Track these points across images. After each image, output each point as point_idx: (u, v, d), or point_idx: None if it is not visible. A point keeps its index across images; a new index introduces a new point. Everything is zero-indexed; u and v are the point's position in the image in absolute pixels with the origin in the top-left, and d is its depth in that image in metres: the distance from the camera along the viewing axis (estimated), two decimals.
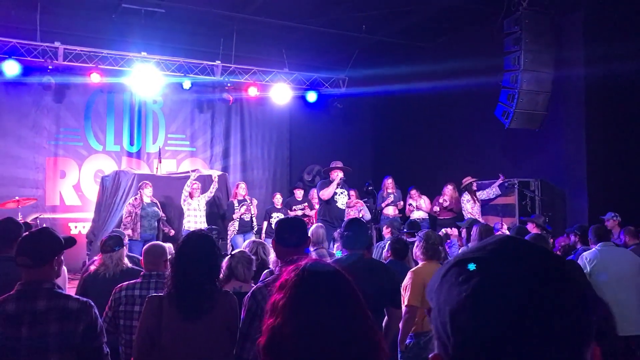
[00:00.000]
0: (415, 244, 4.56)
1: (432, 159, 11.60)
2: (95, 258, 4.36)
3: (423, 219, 9.69)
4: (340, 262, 3.46)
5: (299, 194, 10.68)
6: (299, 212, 10.45)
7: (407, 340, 4.23)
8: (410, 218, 9.32)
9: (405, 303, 4.07)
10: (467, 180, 9.41)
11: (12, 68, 9.54)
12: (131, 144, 11.67)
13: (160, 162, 10.51)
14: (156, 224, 8.78)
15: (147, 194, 8.78)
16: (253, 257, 4.18)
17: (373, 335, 1.31)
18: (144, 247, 3.73)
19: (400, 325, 3.99)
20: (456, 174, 9.86)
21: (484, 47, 9.78)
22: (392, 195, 10.37)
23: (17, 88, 10.36)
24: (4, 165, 10.36)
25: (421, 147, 11.99)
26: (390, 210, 10.41)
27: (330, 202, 8.64)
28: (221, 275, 3.59)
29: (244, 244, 5.14)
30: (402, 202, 10.26)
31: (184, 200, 9.10)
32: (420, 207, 9.94)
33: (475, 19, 10.18)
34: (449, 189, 9.65)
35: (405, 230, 7.09)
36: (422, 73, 10.93)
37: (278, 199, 10.40)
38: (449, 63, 10.43)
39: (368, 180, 11.44)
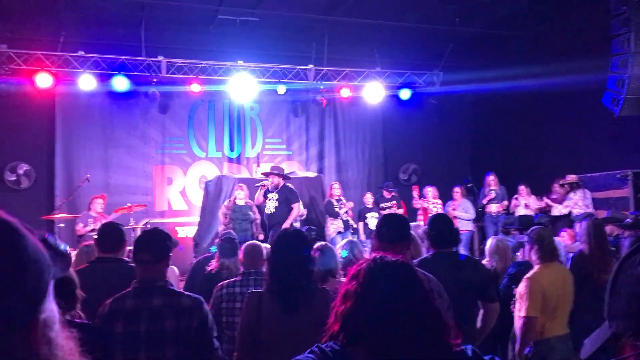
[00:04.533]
0: (528, 247, 4.23)
1: (535, 154, 11.05)
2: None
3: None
4: (423, 261, 3.38)
5: (387, 193, 10.59)
6: (387, 211, 10.37)
7: (526, 350, 3.97)
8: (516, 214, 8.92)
9: (523, 314, 3.77)
10: (571, 178, 8.91)
11: (121, 83, 10.21)
12: (231, 149, 12.13)
13: (258, 167, 10.82)
14: (248, 225, 8.98)
15: (240, 197, 9.04)
16: (338, 247, 4.19)
17: (437, 320, 1.40)
18: (243, 247, 3.85)
19: (518, 334, 3.77)
20: (562, 169, 9.34)
21: (587, 32, 9.19)
22: (493, 192, 10.01)
23: (126, 101, 11.07)
24: (118, 174, 11.12)
25: (522, 142, 11.46)
26: (493, 208, 10.06)
27: (260, 208, 8.95)
28: None
29: (339, 244, 5.17)
30: (506, 201, 9.87)
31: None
32: (528, 205, 9.48)
33: (577, 2, 9.60)
34: (558, 186, 9.18)
35: (515, 226, 6.73)
36: (520, 64, 10.44)
37: (369, 199, 10.36)
38: (549, 52, 9.90)
39: (467, 177, 11.13)
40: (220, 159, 12.07)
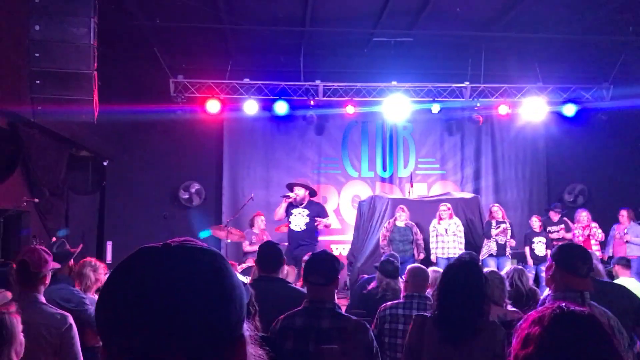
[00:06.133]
0: None
1: None
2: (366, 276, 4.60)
3: None
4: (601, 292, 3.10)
5: (554, 215, 9.88)
6: (555, 235, 9.68)
7: None
8: None
9: None
10: None
11: (281, 107, 10.77)
12: (384, 169, 12.21)
13: (412, 187, 10.75)
14: (408, 246, 8.93)
15: (401, 218, 9.04)
16: (504, 275, 3.97)
17: None
18: (408, 269, 3.82)
19: None
20: None
21: None
22: None
23: (285, 124, 11.68)
24: (278, 193, 11.67)
25: None
26: None
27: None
28: None
29: (504, 270, 4.91)
30: None
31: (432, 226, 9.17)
32: None
33: None
34: None
35: None
36: None
37: (535, 223, 9.74)
38: None
39: None
40: (372, 178, 12.21)
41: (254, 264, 8.31)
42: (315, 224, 8.36)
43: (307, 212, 8.25)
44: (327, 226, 8.66)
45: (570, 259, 2.73)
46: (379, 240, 9.10)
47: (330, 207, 12.03)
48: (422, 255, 8.99)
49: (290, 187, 8.51)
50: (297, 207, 8.25)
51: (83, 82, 6.10)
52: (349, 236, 10.97)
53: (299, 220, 8.32)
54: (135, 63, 10.57)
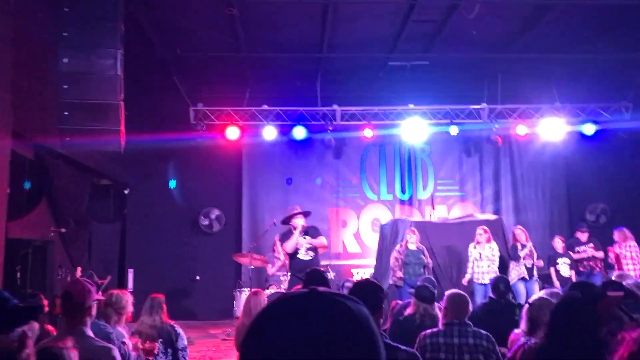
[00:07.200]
0: None
1: None
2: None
3: None
4: None
5: (581, 235, 9.77)
6: (583, 255, 9.56)
7: None
8: None
9: None
10: None
11: (300, 132, 10.83)
12: (402, 192, 12.18)
13: (433, 209, 10.71)
14: (421, 270, 8.82)
15: (412, 241, 8.94)
16: (553, 300, 3.90)
17: None
18: (447, 295, 3.78)
19: None
20: None
21: None
22: None
23: (303, 149, 11.72)
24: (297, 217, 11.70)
25: None
26: None
27: (292, 255, 7.53)
28: (522, 327, 3.44)
29: (536, 294, 4.84)
30: None
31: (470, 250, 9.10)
32: None
33: None
34: None
35: None
36: None
37: (558, 244, 9.62)
38: None
39: None
40: (392, 201, 12.18)
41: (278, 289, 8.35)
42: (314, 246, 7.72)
43: (309, 238, 7.69)
44: (324, 247, 8.23)
45: None
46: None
47: (350, 231, 12.01)
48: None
49: (288, 220, 7.83)
50: (301, 235, 7.68)
51: (110, 113, 6.19)
52: (370, 260, 10.91)
53: (306, 248, 7.75)
54: (156, 92, 10.72)
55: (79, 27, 6.15)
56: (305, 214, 7.76)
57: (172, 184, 9.61)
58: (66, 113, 6.16)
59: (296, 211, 7.79)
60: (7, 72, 6.22)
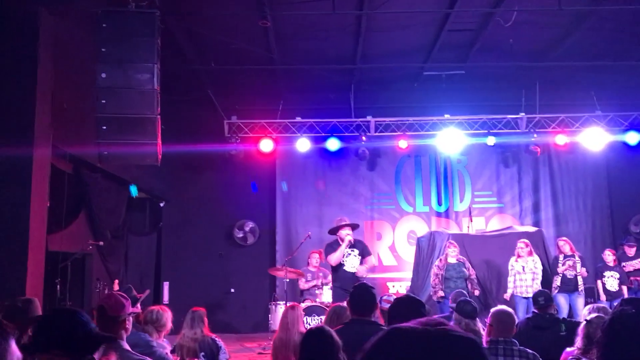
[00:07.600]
0: None
1: None
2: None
3: None
4: None
5: (629, 249, 9.41)
6: (631, 269, 9.21)
7: None
8: None
9: None
10: None
11: (333, 144, 10.77)
12: (439, 204, 11.98)
13: (471, 221, 10.49)
14: (464, 283, 8.61)
15: (452, 254, 8.74)
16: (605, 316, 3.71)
17: None
18: (493, 312, 3.63)
19: None
20: None
21: None
22: None
23: (337, 160, 11.65)
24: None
25: None
26: None
27: (337, 267, 7.51)
28: (578, 344, 3.27)
29: (585, 308, 4.64)
30: None
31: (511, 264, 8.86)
32: None
33: None
34: None
35: None
36: None
37: (609, 256, 9.25)
38: None
39: None
40: (428, 213, 11.98)
41: (314, 302, 8.24)
42: (364, 266, 7.86)
43: (357, 251, 7.75)
44: (373, 267, 8.28)
45: None
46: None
47: (385, 244, 11.85)
48: (477, 292, 8.68)
49: (335, 231, 7.88)
50: (348, 247, 7.70)
51: (147, 126, 6.22)
52: (406, 273, 10.74)
53: (353, 260, 7.77)
54: (190, 105, 10.82)
55: (117, 43, 6.21)
56: (353, 227, 7.80)
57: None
58: (104, 127, 6.22)
59: (344, 222, 7.82)
60: (47, 87, 6.34)
